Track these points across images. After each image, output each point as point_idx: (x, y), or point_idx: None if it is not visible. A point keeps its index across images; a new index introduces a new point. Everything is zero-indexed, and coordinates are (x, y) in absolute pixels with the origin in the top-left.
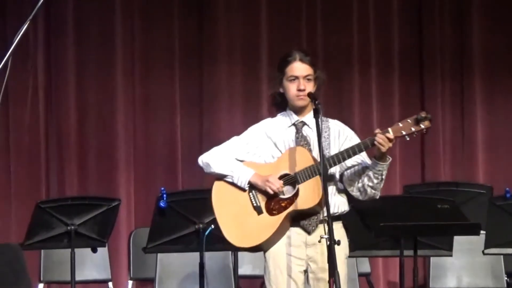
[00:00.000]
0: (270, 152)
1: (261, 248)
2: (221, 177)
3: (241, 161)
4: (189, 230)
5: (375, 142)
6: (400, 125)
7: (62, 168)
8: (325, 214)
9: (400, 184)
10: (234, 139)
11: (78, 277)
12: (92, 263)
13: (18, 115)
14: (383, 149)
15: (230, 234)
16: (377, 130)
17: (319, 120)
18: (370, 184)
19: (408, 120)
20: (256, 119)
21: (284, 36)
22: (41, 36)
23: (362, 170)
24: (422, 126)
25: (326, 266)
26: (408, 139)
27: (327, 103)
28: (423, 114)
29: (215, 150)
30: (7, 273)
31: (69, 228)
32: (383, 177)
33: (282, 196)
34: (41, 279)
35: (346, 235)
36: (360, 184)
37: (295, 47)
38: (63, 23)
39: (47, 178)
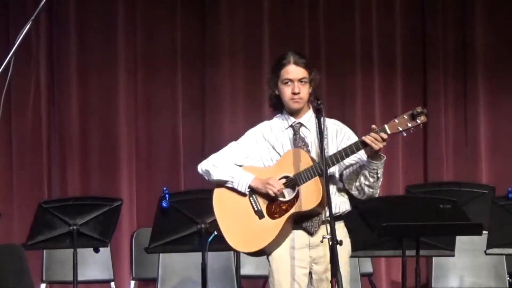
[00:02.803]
0: (269, 155)
1: (265, 252)
2: (221, 184)
3: (240, 166)
4: (191, 230)
5: (367, 141)
6: (396, 121)
7: (65, 168)
8: (327, 214)
9: (402, 184)
10: (232, 144)
11: (80, 277)
12: (94, 263)
13: (21, 115)
14: (376, 148)
15: (233, 240)
16: (373, 126)
17: (321, 120)
18: (367, 183)
19: (404, 116)
20: (258, 120)
21: (286, 37)
22: (43, 36)
23: (359, 169)
24: (418, 121)
25: (329, 266)
26: (405, 135)
27: (329, 102)
28: (418, 109)
29: (213, 157)
30: (9, 273)
31: (71, 228)
32: (379, 175)
33: (282, 199)
34: (43, 279)
35: (348, 235)
36: (357, 183)
37: (292, 48)
38: (66, 23)
39: (49, 178)
